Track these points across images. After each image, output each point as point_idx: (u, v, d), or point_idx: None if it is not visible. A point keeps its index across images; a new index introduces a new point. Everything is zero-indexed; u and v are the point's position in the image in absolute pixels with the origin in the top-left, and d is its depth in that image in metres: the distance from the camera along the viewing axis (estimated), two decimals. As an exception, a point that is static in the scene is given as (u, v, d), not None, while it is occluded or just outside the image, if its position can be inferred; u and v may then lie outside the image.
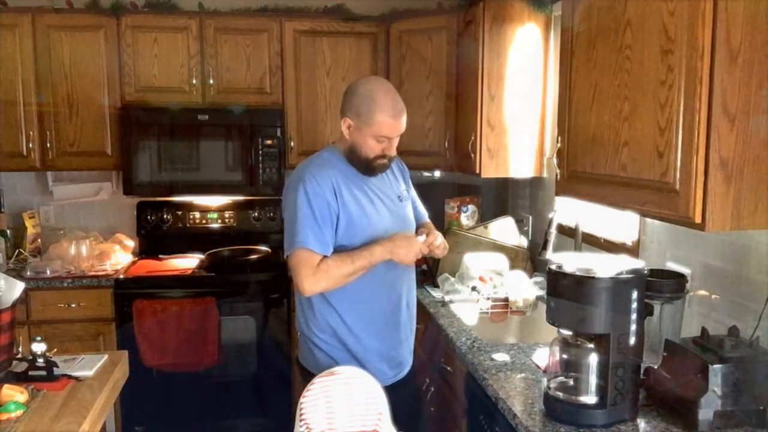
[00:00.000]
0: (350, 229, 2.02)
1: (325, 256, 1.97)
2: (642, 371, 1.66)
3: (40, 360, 1.96)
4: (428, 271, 2.97)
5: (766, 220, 1.45)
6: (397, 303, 2.14)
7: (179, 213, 3.72)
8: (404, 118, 2.04)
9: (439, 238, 2.15)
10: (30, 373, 1.95)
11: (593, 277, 1.54)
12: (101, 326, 3.25)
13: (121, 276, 3.27)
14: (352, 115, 2.02)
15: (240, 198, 3.73)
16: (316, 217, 1.96)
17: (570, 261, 1.61)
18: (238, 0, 3.63)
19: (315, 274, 1.95)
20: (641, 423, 1.60)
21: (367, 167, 2.07)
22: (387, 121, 1.99)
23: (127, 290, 3.21)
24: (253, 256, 3.51)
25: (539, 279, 2.86)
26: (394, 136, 2.05)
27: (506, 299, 2.73)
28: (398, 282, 2.13)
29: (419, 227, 2.28)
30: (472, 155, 3.02)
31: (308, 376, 1.88)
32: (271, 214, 3.77)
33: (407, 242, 2.04)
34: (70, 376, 1.99)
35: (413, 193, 2.35)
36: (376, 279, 2.05)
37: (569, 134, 1.99)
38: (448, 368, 2.38)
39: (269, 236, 3.77)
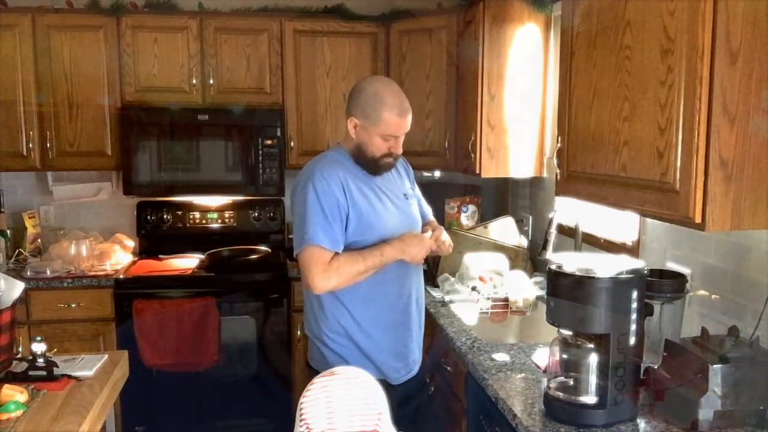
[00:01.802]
0: (360, 226, 2.03)
1: (336, 254, 1.98)
2: (642, 371, 1.66)
3: (40, 360, 1.96)
4: (428, 271, 2.97)
5: (766, 220, 1.45)
6: (407, 300, 2.15)
7: (179, 213, 3.72)
8: (410, 117, 2.06)
9: (444, 233, 2.17)
10: (30, 373, 1.95)
11: (593, 277, 1.54)
12: (101, 326, 3.25)
13: (121, 276, 3.27)
14: (359, 115, 2.03)
15: (240, 198, 3.73)
16: (326, 215, 1.97)
17: (570, 261, 1.61)
18: (238, 0, 3.63)
19: (326, 271, 1.96)
20: (641, 423, 1.60)
21: (374, 166, 2.08)
22: (394, 119, 2.01)
23: (127, 290, 3.21)
24: (253, 256, 3.51)
25: (539, 279, 2.86)
26: (401, 134, 2.06)
27: (506, 299, 2.73)
28: (408, 279, 2.14)
29: (424, 225, 2.29)
30: (472, 155, 3.02)
31: None
32: (271, 214, 3.77)
33: (417, 240, 2.07)
34: (70, 376, 1.99)
35: (418, 191, 2.36)
36: (386, 277, 2.06)
37: (569, 134, 1.99)
38: (448, 368, 2.37)
39: (269, 236, 3.77)
